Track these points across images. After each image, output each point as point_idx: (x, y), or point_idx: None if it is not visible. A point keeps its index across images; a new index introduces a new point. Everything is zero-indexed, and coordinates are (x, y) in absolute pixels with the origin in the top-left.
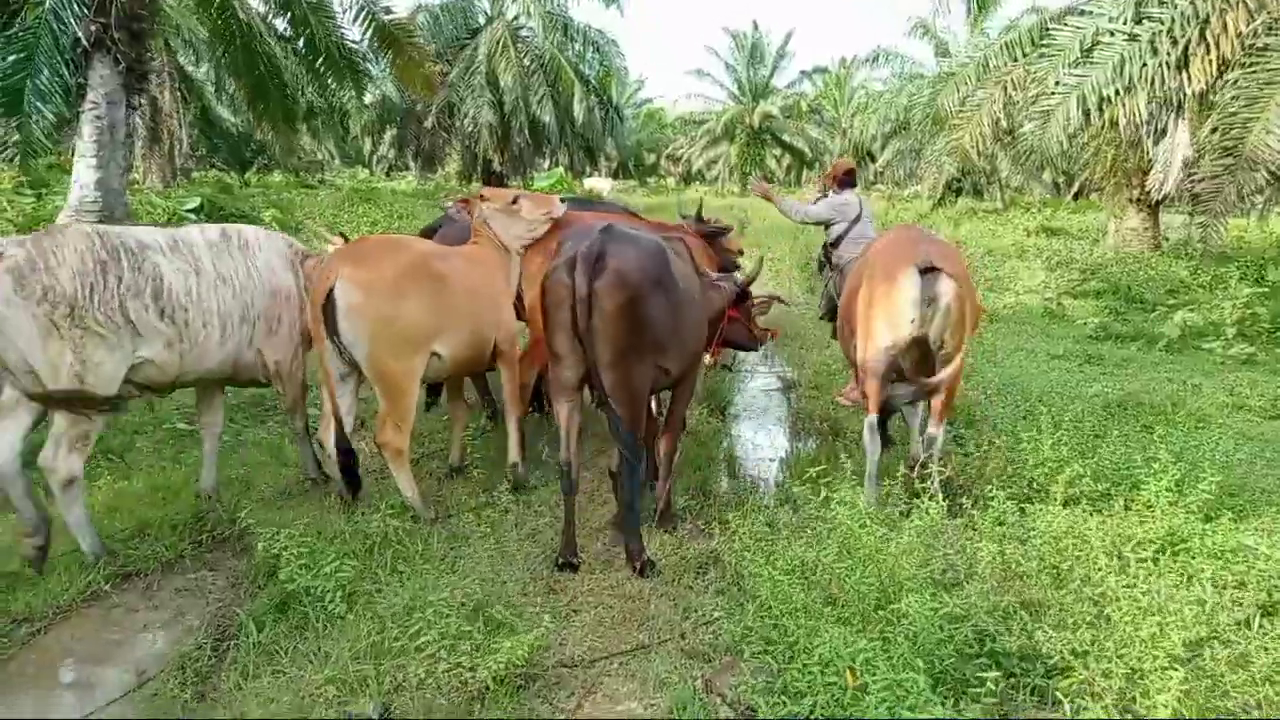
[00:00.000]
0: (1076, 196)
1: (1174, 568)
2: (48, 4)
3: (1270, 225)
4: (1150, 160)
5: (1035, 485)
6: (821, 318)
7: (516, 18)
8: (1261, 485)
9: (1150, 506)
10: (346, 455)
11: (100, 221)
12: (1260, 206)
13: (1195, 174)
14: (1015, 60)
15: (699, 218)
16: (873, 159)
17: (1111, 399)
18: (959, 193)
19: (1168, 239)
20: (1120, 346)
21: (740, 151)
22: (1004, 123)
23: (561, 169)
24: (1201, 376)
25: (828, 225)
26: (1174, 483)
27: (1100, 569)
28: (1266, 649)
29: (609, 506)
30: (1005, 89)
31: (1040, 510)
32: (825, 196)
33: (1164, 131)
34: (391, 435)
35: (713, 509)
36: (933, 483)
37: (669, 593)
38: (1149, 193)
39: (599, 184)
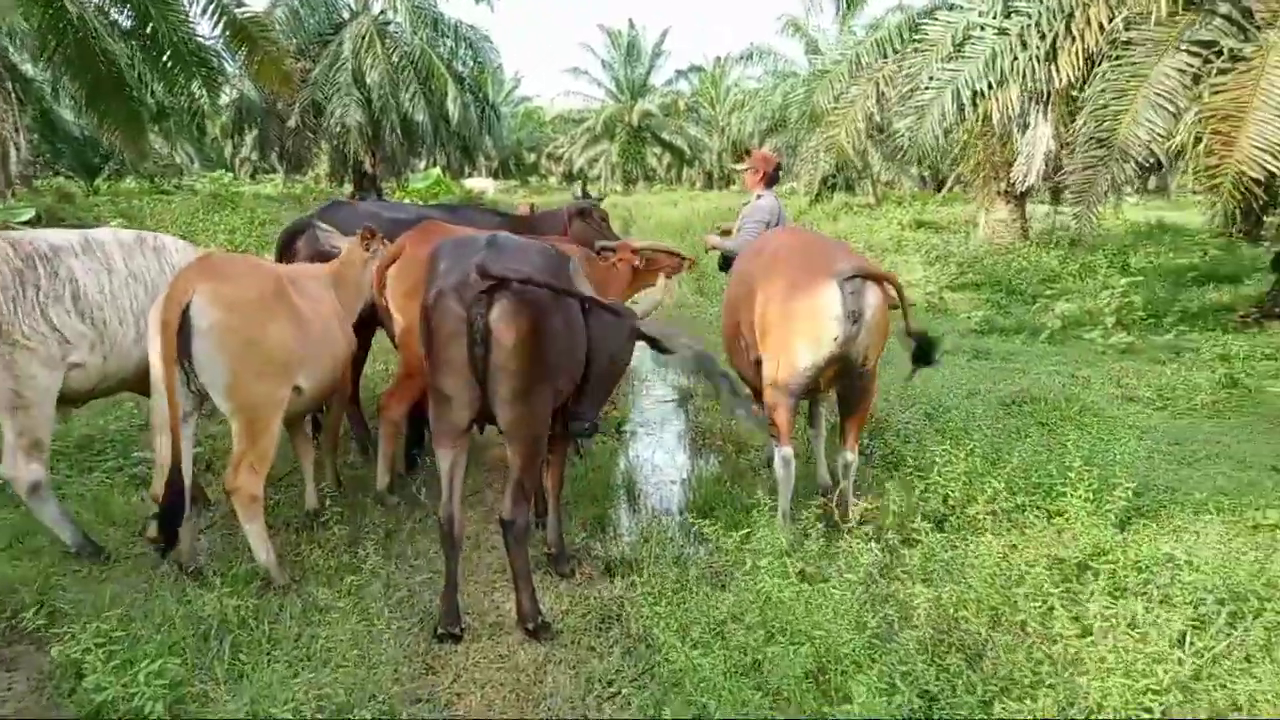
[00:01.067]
0: (939, 189)
1: (1101, 587)
2: None
3: (1125, 213)
4: (1015, 153)
5: (950, 501)
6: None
7: (383, 12)
8: (1165, 482)
9: (1066, 516)
10: (177, 498)
11: None
12: (1117, 195)
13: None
14: (886, 57)
15: (585, 193)
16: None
17: (1005, 395)
18: (833, 188)
19: (1032, 229)
20: (1005, 339)
21: (621, 149)
22: (877, 118)
23: (439, 169)
24: (1087, 368)
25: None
26: (1090, 491)
27: (1036, 603)
28: (1206, 670)
29: (495, 553)
30: (878, 85)
31: (964, 537)
32: (750, 201)
33: (1028, 125)
34: (246, 479)
35: (613, 545)
36: (852, 515)
37: (568, 659)
38: (1014, 184)
39: (480, 184)
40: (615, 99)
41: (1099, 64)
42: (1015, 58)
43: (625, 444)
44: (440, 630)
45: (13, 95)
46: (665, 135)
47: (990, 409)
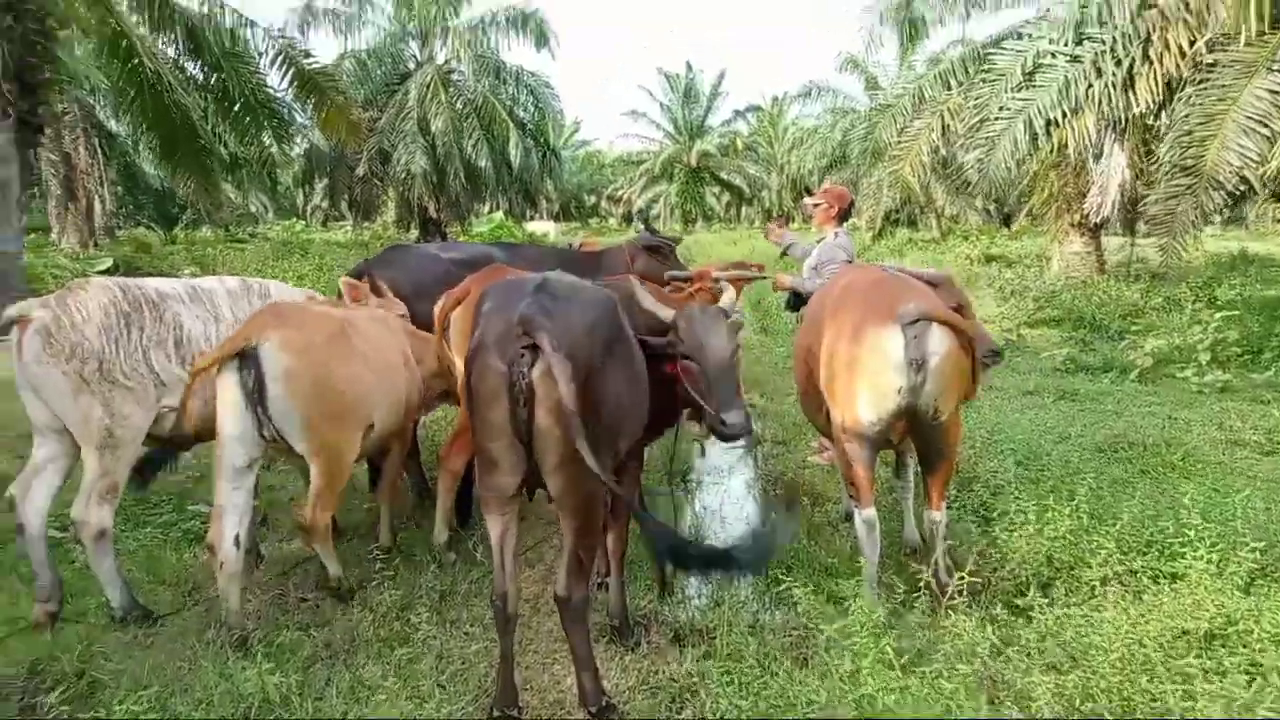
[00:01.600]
0: (1006, 223)
1: (1238, 663)
2: None
3: (1205, 244)
4: (1089, 184)
5: (1055, 563)
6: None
7: (447, 62)
8: None
9: (1188, 580)
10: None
11: None
12: (1203, 225)
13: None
14: (950, 89)
15: (648, 228)
16: (810, 193)
17: (1099, 440)
18: (896, 224)
19: (1107, 262)
20: (1092, 379)
21: (680, 190)
22: (942, 151)
23: (501, 214)
24: (1184, 409)
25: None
26: (1211, 551)
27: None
28: None
29: (555, 619)
30: (942, 118)
31: (1079, 607)
32: (827, 238)
33: (1100, 155)
34: (320, 516)
35: (682, 610)
36: (948, 584)
37: None
38: (1088, 216)
39: (542, 226)
40: (674, 140)
41: (1182, 89)
42: (1090, 85)
43: (690, 494)
44: (496, 711)
45: (99, 150)
46: (724, 174)
47: (1086, 456)
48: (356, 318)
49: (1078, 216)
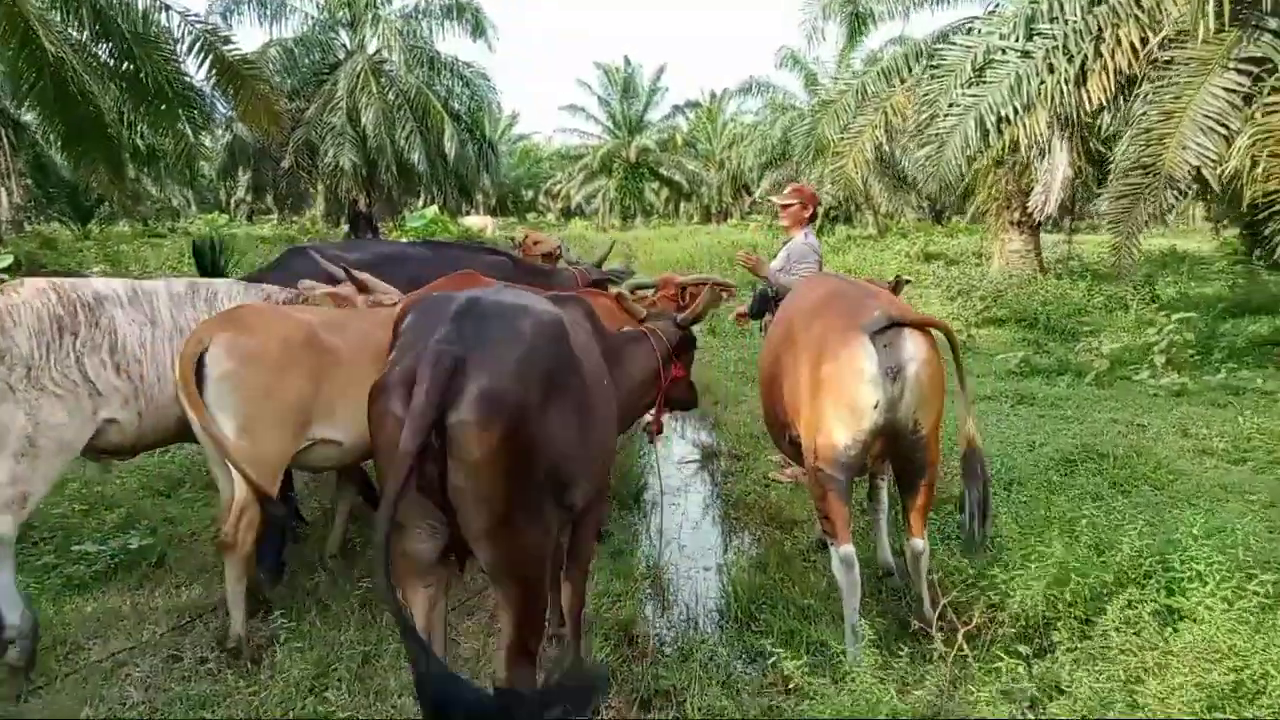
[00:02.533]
0: (938, 219)
1: None
2: None
3: (1144, 241)
4: (1030, 182)
5: (1052, 599)
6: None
7: (378, 51)
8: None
9: (1196, 618)
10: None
11: None
12: (1161, 223)
13: (1077, 195)
14: (893, 86)
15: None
16: (749, 191)
17: (1065, 449)
18: (834, 220)
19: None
20: (1048, 382)
21: (619, 185)
22: (885, 148)
23: (435, 208)
24: (1145, 414)
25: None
26: (1217, 581)
27: None
28: None
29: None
30: (885, 115)
31: (1085, 657)
32: (796, 239)
33: (1044, 152)
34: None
35: (642, 669)
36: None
37: None
38: (1031, 214)
39: (479, 221)
40: (613, 135)
41: (1139, 86)
42: (1043, 81)
43: (647, 519)
44: None
45: (4, 140)
46: (663, 170)
47: (1053, 466)
48: (337, 322)
49: (1018, 214)
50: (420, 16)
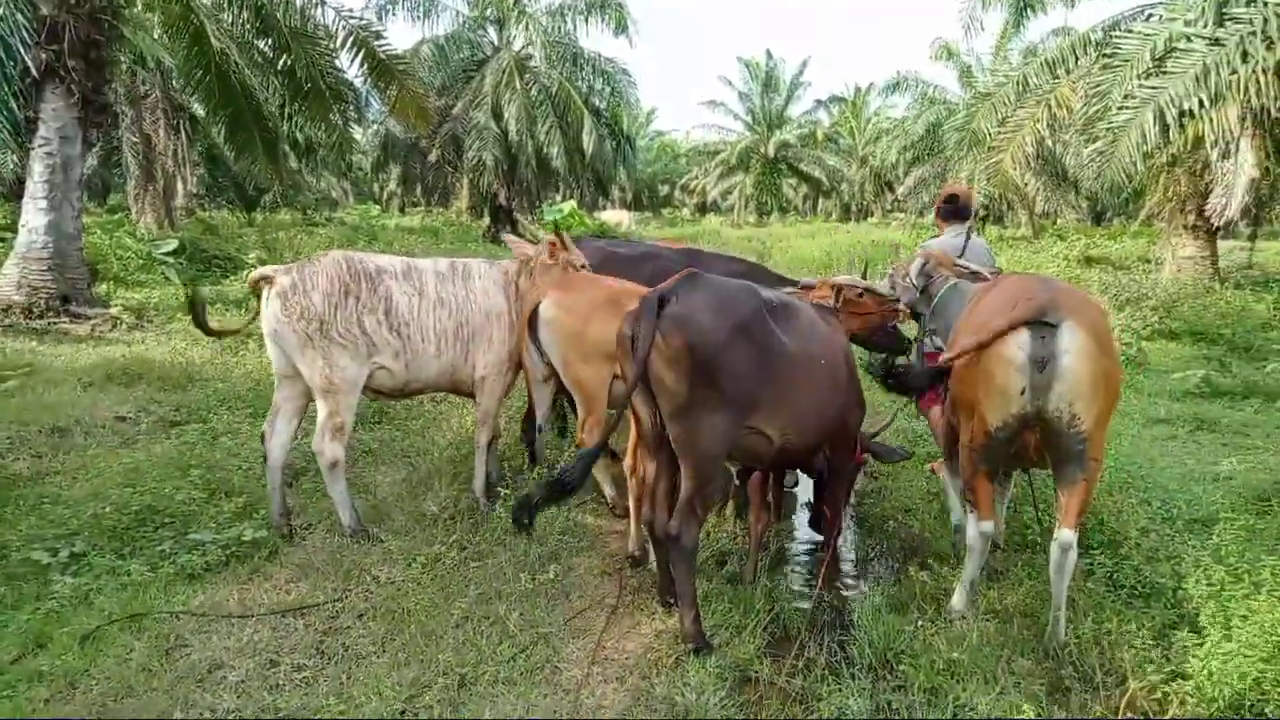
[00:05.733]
0: (1098, 221)
1: None
2: None
3: None
4: (1209, 183)
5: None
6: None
7: (524, 48)
8: None
9: None
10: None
11: (50, 270)
12: None
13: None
14: (1058, 77)
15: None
16: (891, 188)
17: (1257, 485)
18: (985, 220)
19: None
20: (1232, 406)
21: (756, 181)
22: (1047, 142)
23: (573, 202)
24: None
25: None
26: None
27: None
28: None
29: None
30: (1049, 107)
31: None
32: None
33: (1227, 152)
34: (589, 436)
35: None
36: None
37: None
38: (1208, 218)
39: (614, 216)
40: (751, 130)
41: None
42: (1234, 71)
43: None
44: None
45: (181, 132)
46: (802, 166)
47: (1241, 506)
48: (626, 290)
49: (1192, 218)
50: (564, 13)
